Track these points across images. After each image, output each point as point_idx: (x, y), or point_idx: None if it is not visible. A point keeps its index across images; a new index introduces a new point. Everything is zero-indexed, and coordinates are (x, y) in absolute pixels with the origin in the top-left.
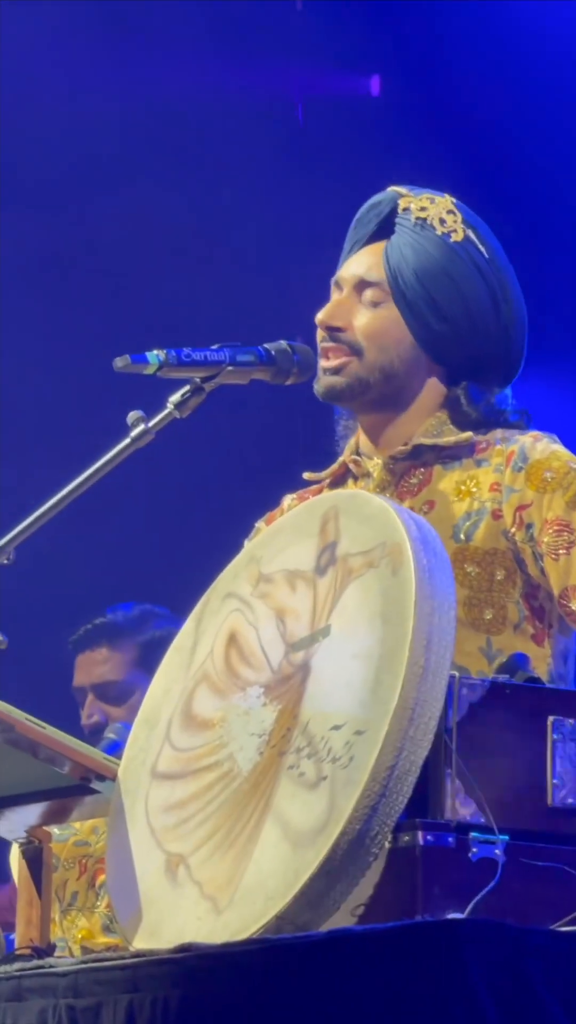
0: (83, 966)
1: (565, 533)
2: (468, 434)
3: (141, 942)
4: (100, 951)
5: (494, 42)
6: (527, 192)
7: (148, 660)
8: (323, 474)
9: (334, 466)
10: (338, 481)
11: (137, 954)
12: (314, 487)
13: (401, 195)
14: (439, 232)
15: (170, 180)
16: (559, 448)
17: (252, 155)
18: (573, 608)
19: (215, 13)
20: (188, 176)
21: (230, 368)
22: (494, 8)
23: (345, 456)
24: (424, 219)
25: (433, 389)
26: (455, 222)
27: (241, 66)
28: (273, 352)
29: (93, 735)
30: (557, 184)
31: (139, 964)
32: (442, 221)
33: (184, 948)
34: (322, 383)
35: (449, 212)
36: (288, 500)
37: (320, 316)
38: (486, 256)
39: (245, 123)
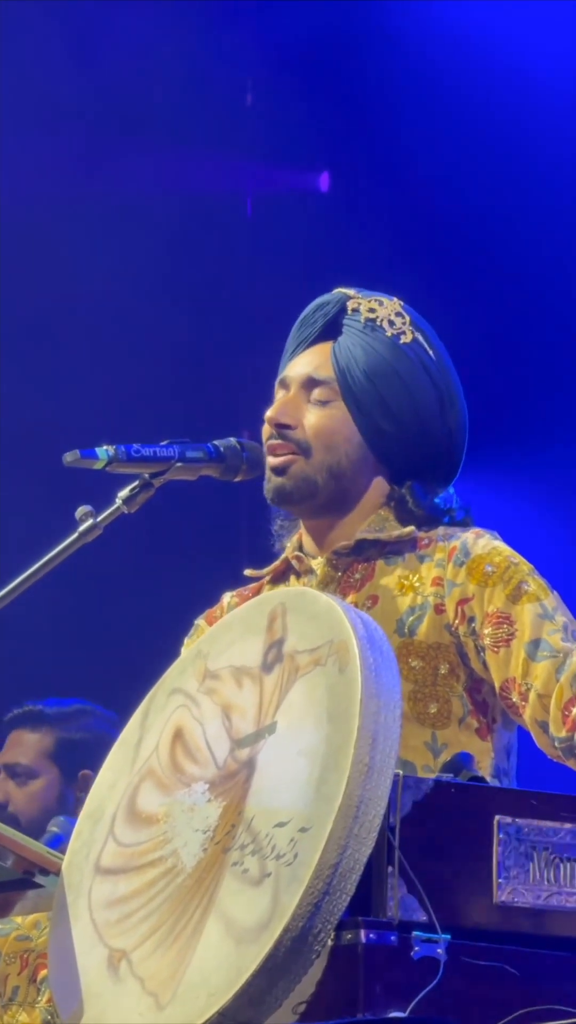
0: None
1: (505, 625)
2: (410, 528)
3: None
4: None
5: (444, 141)
6: (474, 291)
7: (60, 756)
8: (264, 571)
9: (276, 563)
10: (279, 577)
11: None
12: (254, 584)
13: (349, 296)
14: (389, 333)
15: (116, 273)
16: (500, 544)
17: (199, 248)
18: (513, 700)
19: (164, 107)
20: (135, 269)
21: (179, 464)
22: (442, 106)
23: (288, 552)
24: (373, 320)
25: (378, 488)
26: (404, 324)
27: (190, 160)
28: (222, 449)
29: None
30: (505, 283)
31: None
32: (391, 323)
33: None
34: (271, 485)
35: (398, 314)
36: (228, 597)
37: (270, 413)
38: (434, 359)
39: (193, 216)
